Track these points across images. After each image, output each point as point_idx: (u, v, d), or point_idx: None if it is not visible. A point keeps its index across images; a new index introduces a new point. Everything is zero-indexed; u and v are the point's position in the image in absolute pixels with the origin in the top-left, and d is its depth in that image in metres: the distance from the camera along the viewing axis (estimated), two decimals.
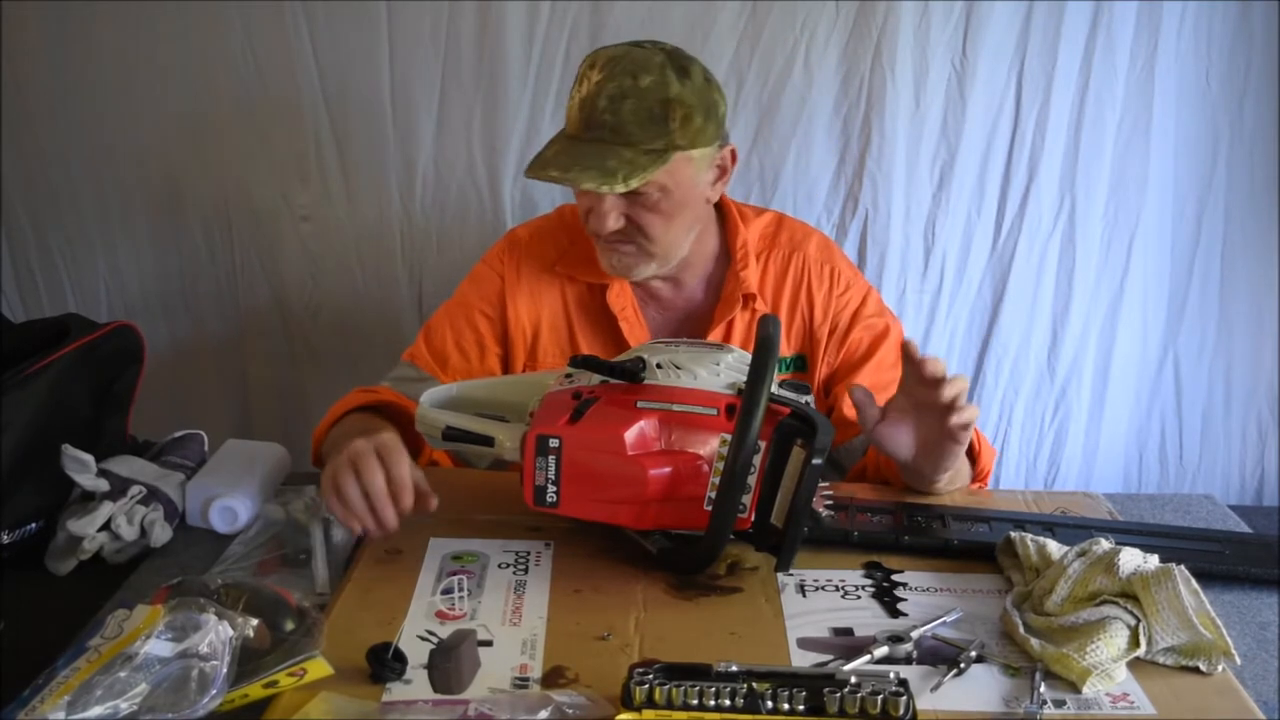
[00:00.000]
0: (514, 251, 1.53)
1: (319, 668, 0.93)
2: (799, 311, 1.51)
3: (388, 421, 1.40)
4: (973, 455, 1.37)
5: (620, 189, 1.31)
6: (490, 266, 1.53)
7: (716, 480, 1.10)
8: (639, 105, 1.31)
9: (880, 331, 1.51)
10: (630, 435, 1.10)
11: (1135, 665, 0.99)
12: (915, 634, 1.03)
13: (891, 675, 0.90)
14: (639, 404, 1.13)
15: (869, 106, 1.88)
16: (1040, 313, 2.00)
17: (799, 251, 1.52)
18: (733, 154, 1.44)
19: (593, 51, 1.38)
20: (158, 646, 0.89)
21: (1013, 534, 1.17)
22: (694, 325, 1.52)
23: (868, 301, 1.53)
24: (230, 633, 0.91)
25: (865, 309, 1.52)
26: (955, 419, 1.21)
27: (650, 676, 0.90)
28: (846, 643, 1.04)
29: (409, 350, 1.52)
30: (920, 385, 1.21)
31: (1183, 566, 1.02)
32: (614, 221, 1.37)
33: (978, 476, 1.41)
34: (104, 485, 1.25)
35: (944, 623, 1.06)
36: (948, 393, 1.19)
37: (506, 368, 1.53)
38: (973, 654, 1.00)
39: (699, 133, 1.35)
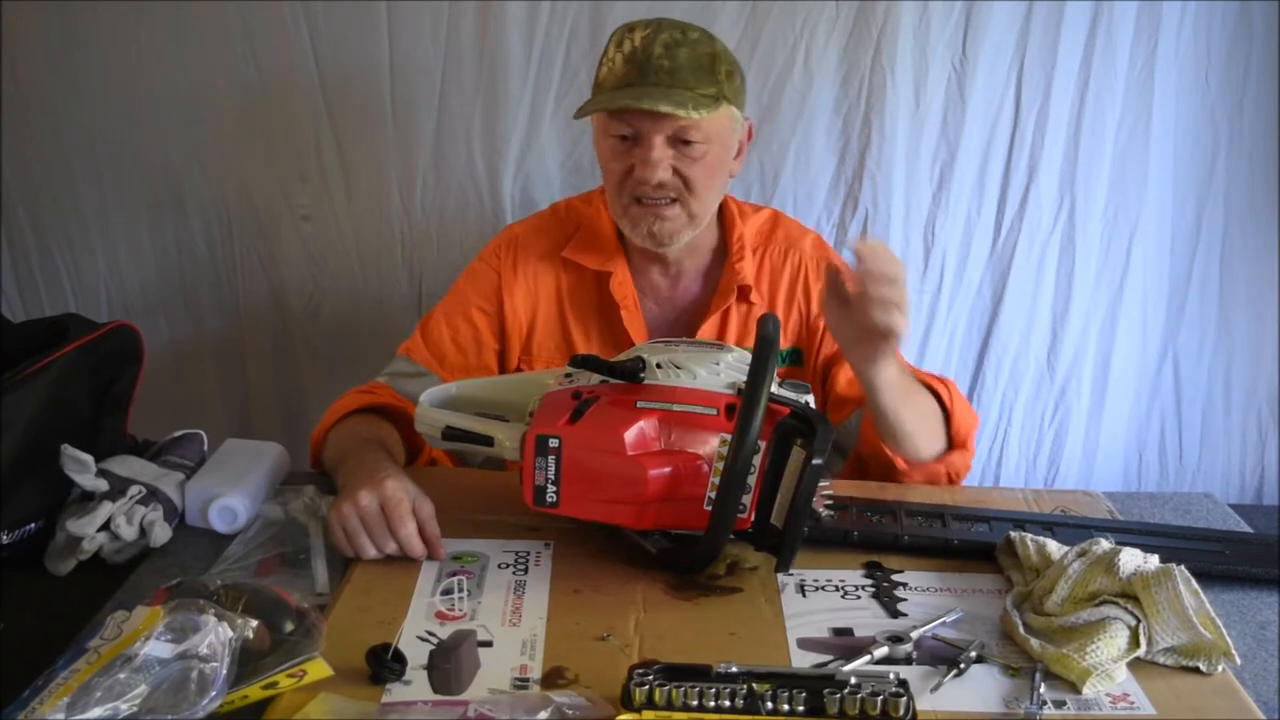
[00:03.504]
0: (511, 248, 1.54)
1: (319, 669, 0.93)
2: (796, 305, 1.53)
3: (388, 421, 1.41)
4: (946, 411, 1.38)
5: (695, 116, 1.34)
6: (487, 263, 1.55)
7: (716, 480, 1.10)
8: (692, 54, 1.36)
9: None
10: (630, 435, 1.10)
11: (1135, 665, 0.99)
12: (915, 634, 1.03)
13: (891, 676, 0.90)
14: (639, 404, 1.13)
15: (869, 106, 1.88)
16: (1040, 312, 2.00)
17: (795, 248, 1.54)
18: (749, 129, 1.48)
19: (621, 25, 1.42)
20: (157, 648, 0.89)
21: (1013, 534, 1.17)
22: (689, 319, 1.53)
23: None
24: (230, 634, 0.90)
25: None
26: (878, 315, 1.17)
27: (650, 677, 0.90)
28: (846, 643, 1.03)
29: (405, 345, 1.53)
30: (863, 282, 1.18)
31: (1183, 566, 1.02)
32: (663, 171, 1.38)
33: (955, 443, 1.40)
34: (103, 485, 1.24)
35: (944, 623, 1.06)
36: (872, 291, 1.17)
37: (503, 363, 1.53)
38: (973, 654, 1.00)
39: (738, 92, 1.41)
